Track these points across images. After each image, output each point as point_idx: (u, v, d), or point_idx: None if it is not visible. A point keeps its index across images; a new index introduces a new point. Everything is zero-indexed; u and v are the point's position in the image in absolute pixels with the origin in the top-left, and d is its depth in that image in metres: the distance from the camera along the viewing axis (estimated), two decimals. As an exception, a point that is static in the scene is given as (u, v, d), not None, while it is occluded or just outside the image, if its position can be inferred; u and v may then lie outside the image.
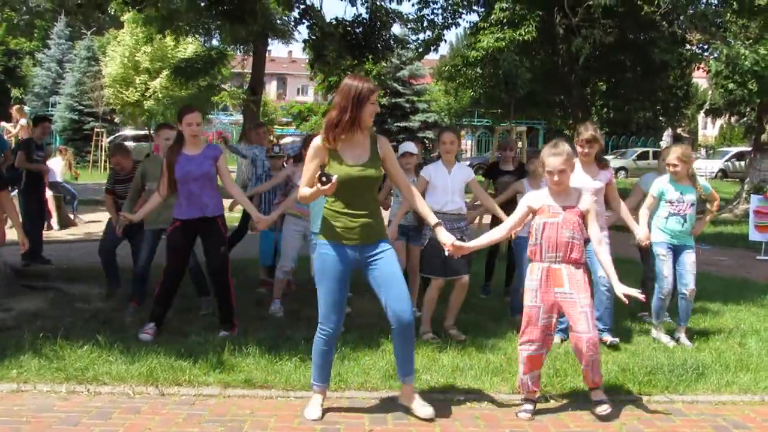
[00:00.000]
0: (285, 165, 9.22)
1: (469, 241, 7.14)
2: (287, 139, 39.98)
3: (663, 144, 34.72)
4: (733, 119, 50.37)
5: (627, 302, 5.51)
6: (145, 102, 34.27)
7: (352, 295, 8.44)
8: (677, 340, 7.41)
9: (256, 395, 5.67)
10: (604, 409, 5.45)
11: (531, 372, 5.51)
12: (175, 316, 7.80)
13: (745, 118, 42.20)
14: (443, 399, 5.59)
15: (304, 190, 5.19)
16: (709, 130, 68.86)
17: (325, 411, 5.34)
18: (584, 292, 5.43)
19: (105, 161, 33.20)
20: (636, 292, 5.45)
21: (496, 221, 7.86)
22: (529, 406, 5.50)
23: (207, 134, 51.78)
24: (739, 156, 43.66)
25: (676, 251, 7.48)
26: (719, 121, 59.11)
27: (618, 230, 8.54)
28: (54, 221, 14.80)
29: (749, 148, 26.86)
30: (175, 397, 5.60)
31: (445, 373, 6.11)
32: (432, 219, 5.48)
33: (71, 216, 15.71)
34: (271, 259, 9.49)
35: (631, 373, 6.23)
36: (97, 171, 32.55)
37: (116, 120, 41.45)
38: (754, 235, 14.14)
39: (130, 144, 32.39)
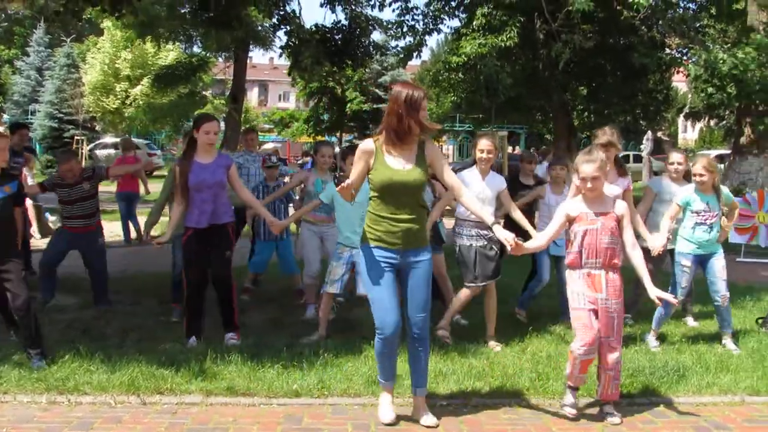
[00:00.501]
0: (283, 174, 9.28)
1: (498, 249, 7.22)
2: (268, 146, 39.94)
3: (643, 147, 34.84)
4: (712, 122, 50.67)
5: (660, 304, 5.87)
6: (125, 109, 34.13)
7: (344, 301, 8.49)
8: (723, 345, 7.43)
9: (239, 403, 5.65)
10: (613, 420, 5.51)
11: (581, 375, 5.60)
12: (157, 324, 7.78)
13: (724, 122, 42.47)
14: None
15: (341, 186, 5.15)
16: (689, 133, 69.26)
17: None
18: (618, 298, 5.52)
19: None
20: (670, 296, 5.72)
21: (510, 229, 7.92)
22: (571, 399, 5.61)
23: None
24: (719, 159, 43.88)
25: (703, 260, 7.49)
26: (699, 125, 59.44)
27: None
28: (34, 229, 14.67)
29: (729, 151, 27.03)
30: (157, 406, 5.57)
31: (428, 378, 6.10)
32: (489, 218, 5.51)
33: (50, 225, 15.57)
34: (265, 267, 9.50)
35: (613, 376, 6.25)
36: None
37: (96, 127, 41.31)
38: (734, 238, 14.18)
39: (111, 152, 32.32)
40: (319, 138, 49.01)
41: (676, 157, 8.33)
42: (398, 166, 5.16)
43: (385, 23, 21.21)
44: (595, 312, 5.49)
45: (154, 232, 8.35)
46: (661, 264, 8.28)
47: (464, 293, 7.38)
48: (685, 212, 7.47)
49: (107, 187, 14.06)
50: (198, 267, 7.13)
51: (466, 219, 7.24)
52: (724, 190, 7.69)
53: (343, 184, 4.98)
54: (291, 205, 9.32)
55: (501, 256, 7.34)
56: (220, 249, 7.15)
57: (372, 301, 5.28)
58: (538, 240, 5.96)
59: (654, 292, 5.57)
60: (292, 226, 9.28)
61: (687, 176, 8.06)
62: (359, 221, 6.59)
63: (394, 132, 5.11)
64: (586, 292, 5.52)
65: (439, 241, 8.12)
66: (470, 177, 7.21)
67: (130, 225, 14.52)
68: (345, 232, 7.39)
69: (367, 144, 5.24)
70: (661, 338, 7.60)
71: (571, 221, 5.65)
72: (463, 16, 22.84)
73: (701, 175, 7.35)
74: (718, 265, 7.43)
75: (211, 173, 7.00)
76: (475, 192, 6.96)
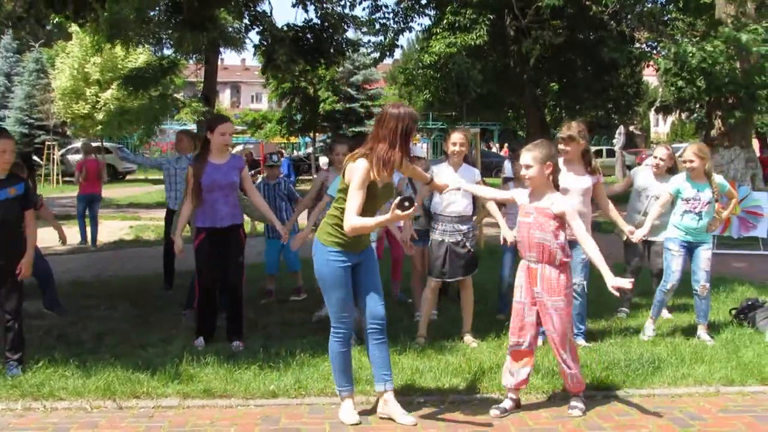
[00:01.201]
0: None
1: (472, 244, 7.27)
2: (239, 147, 39.77)
3: (615, 142, 35.04)
4: (683, 116, 51.09)
5: (618, 295, 5.66)
6: (96, 114, 33.84)
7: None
8: (698, 337, 7.48)
9: (216, 405, 5.63)
10: (572, 412, 5.53)
11: (514, 367, 5.60)
12: (132, 328, 7.74)
13: (695, 115, 42.80)
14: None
15: (364, 221, 5.05)
16: (660, 126, 69.76)
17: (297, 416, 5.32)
18: (553, 295, 5.46)
19: (57, 175, 32.81)
20: (626, 282, 5.32)
21: None
22: (503, 405, 5.60)
23: (161, 144, 51.50)
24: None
25: (691, 248, 7.52)
26: (670, 118, 59.88)
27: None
28: None
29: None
30: (134, 410, 5.54)
31: (404, 375, 6.12)
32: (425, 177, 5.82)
33: None
34: (276, 267, 9.49)
35: (588, 368, 6.27)
36: (49, 184, 32.14)
37: (68, 132, 40.98)
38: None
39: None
40: (293, 139, 49.01)
41: (660, 152, 8.39)
42: (382, 182, 5.20)
43: (357, 19, 21.24)
44: (530, 304, 5.55)
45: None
46: (644, 258, 8.38)
47: (429, 291, 7.41)
48: (677, 200, 7.53)
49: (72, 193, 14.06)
50: (211, 270, 7.14)
51: (441, 213, 7.26)
52: (718, 178, 7.63)
53: (399, 212, 4.87)
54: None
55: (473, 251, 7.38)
56: (231, 252, 7.18)
57: (331, 303, 5.31)
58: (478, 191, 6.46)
59: (611, 281, 5.36)
60: (301, 223, 9.14)
61: (671, 171, 8.13)
62: None
63: (389, 163, 5.11)
64: (523, 285, 5.58)
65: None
66: (443, 170, 7.25)
67: (88, 230, 14.58)
68: None
69: (365, 167, 5.10)
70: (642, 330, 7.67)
71: (511, 203, 5.87)
72: (434, 14, 22.93)
73: (691, 161, 7.39)
74: (704, 255, 7.47)
75: (224, 174, 7.06)
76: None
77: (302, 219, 8.49)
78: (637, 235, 7.28)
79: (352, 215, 4.99)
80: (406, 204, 4.85)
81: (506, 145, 48.53)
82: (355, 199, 5.02)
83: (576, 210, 5.69)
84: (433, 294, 7.48)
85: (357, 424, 5.28)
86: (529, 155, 5.51)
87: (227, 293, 7.30)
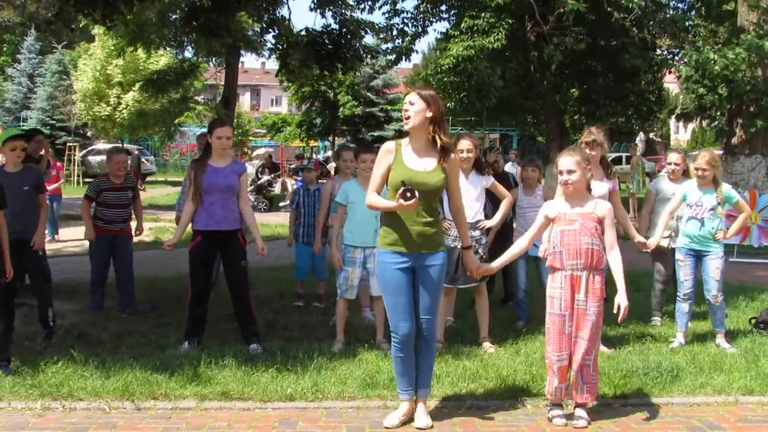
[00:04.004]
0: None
1: (484, 251, 7.23)
2: (260, 151, 39.88)
3: (638, 148, 34.88)
4: (704, 123, 50.82)
5: (615, 311, 5.50)
6: (117, 115, 34.04)
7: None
8: (717, 345, 7.45)
9: (234, 407, 5.65)
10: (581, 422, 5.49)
11: (561, 383, 5.53)
12: (151, 330, 7.77)
13: (716, 122, 42.55)
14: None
15: (377, 199, 5.25)
16: (681, 134, 69.39)
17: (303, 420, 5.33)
18: (596, 301, 5.44)
19: (78, 176, 33.00)
20: (624, 308, 5.42)
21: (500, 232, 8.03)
22: (558, 411, 5.56)
23: (180, 146, 51.70)
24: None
25: (700, 256, 7.50)
26: (691, 125, 59.58)
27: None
28: None
29: (721, 152, 27.09)
30: (152, 411, 5.57)
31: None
32: (466, 240, 5.65)
33: None
34: (306, 272, 9.44)
35: (607, 376, 6.25)
36: (70, 185, 32.34)
37: (89, 134, 41.23)
38: (727, 238, 14.27)
39: (104, 158, 32.19)
40: (312, 143, 49.11)
41: (673, 157, 8.45)
42: (419, 167, 5.20)
43: (375, 26, 21.23)
44: (571, 315, 5.47)
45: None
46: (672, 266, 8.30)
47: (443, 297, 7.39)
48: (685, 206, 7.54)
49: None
50: (203, 274, 7.18)
51: (449, 220, 7.25)
52: (726, 188, 7.52)
53: (402, 202, 4.94)
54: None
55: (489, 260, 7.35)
56: (232, 257, 7.21)
57: (387, 306, 5.33)
58: (518, 245, 5.93)
59: (619, 298, 5.43)
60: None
61: (687, 174, 8.13)
62: (375, 221, 6.72)
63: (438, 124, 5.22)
64: (564, 296, 5.46)
65: None
66: None
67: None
68: (360, 233, 7.25)
69: (387, 145, 5.32)
70: (662, 339, 7.64)
71: (551, 222, 5.62)
72: (452, 19, 22.92)
73: (704, 170, 7.38)
74: (712, 264, 7.42)
75: (224, 177, 7.10)
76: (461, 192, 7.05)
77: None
78: (651, 243, 7.25)
79: (371, 193, 5.25)
80: (408, 195, 4.90)
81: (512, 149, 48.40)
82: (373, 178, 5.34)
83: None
84: (448, 300, 7.46)
85: (393, 427, 5.29)
86: (572, 160, 5.49)
87: (234, 295, 7.30)
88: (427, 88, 5.37)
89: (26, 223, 7.11)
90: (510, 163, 19.04)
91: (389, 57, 23.73)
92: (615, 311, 5.47)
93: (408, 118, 5.21)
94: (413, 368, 5.43)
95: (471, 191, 7.28)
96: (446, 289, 7.32)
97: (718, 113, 27.06)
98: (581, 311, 5.45)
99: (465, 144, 7.32)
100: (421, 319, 5.33)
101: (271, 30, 18.92)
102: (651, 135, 55.60)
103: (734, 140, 20.39)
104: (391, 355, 5.42)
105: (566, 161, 5.49)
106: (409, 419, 5.39)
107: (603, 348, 7.03)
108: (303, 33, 18.88)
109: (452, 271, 7.19)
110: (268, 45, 19.38)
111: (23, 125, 38.43)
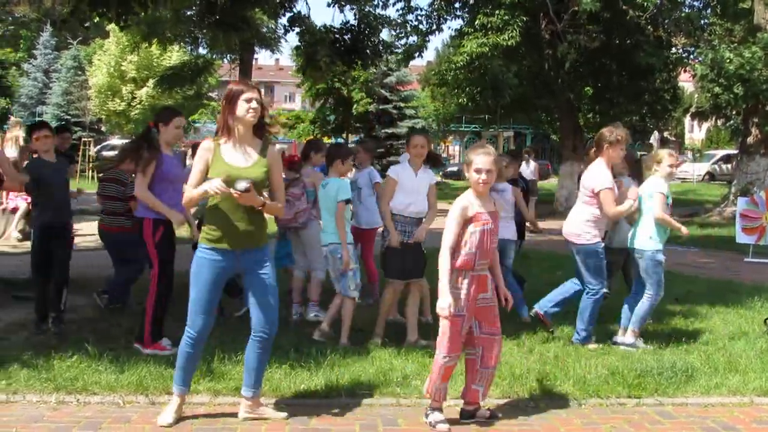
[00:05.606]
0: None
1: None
2: (278, 146, 39.93)
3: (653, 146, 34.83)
4: (719, 122, 50.62)
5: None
6: (131, 111, 34.18)
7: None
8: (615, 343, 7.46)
9: (247, 403, 5.65)
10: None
11: (445, 381, 5.38)
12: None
13: (731, 121, 42.38)
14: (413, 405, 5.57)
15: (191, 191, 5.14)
16: (696, 133, 69.15)
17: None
18: (494, 293, 5.43)
19: (92, 171, 33.12)
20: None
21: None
22: (440, 416, 5.36)
23: (194, 142, 51.76)
24: (726, 159, 43.92)
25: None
26: (706, 124, 59.33)
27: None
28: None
29: (736, 151, 26.96)
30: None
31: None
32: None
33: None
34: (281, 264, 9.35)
35: (621, 375, 6.24)
36: (84, 180, 32.44)
37: (103, 129, 41.41)
38: (741, 238, 14.21)
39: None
40: (326, 140, 49.14)
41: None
42: (237, 162, 5.11)
43: (392, 21, 21.29)
44: (469, 315, 5.30)
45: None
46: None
47: (389, 292, 7.40)
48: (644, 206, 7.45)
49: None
50: (172, 263, 7.05)
51: (401, 214, 7.30)
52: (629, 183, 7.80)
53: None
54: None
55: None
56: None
57: (191, 299, 5.23)
58: (443, 262, 5.25)
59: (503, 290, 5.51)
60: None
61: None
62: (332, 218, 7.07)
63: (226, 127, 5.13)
64: (467, 297, 5.23)
65: None
66: (403, 172, 7.39)
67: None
68: (331, 231, 7.28)
69: (205, 143, 5.20)
70: (668, 338, 7.61)
71: (467, 221, 5.25)
72: (466, 16, 22.90)
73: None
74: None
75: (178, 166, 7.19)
76: (409, 186, 7.28)
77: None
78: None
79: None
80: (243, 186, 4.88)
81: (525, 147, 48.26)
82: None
83: None
84: (395, 296, 7.48)
85: (168, 426, 5.21)
86: (490, 159, 5.26)
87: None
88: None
89: (68, 213, 7.72)
90: (524, 162, 18.98)
91: (401, 53, 23.72)
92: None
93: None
94: (195, 367, 5.48)
95: (420, 187, 7.36)
96: (395, 285, 7.36)
97: (734, 112, 26.91)
98: (488, 308, 5.36)
99: (419, 140, 7.48)
100: (264, 317, 5.28)
101: (293, 28, 18.98)
102: (665, 134, 55.41)
103: (750, 140, 20.33)
104: (181, 351, 5.31)
105: (485, 160, 5.24)
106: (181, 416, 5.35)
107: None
108: (324, 30, 18.95)
109: (399, 266, 7.25)
110: (288, 42, 19.50)
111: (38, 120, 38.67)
